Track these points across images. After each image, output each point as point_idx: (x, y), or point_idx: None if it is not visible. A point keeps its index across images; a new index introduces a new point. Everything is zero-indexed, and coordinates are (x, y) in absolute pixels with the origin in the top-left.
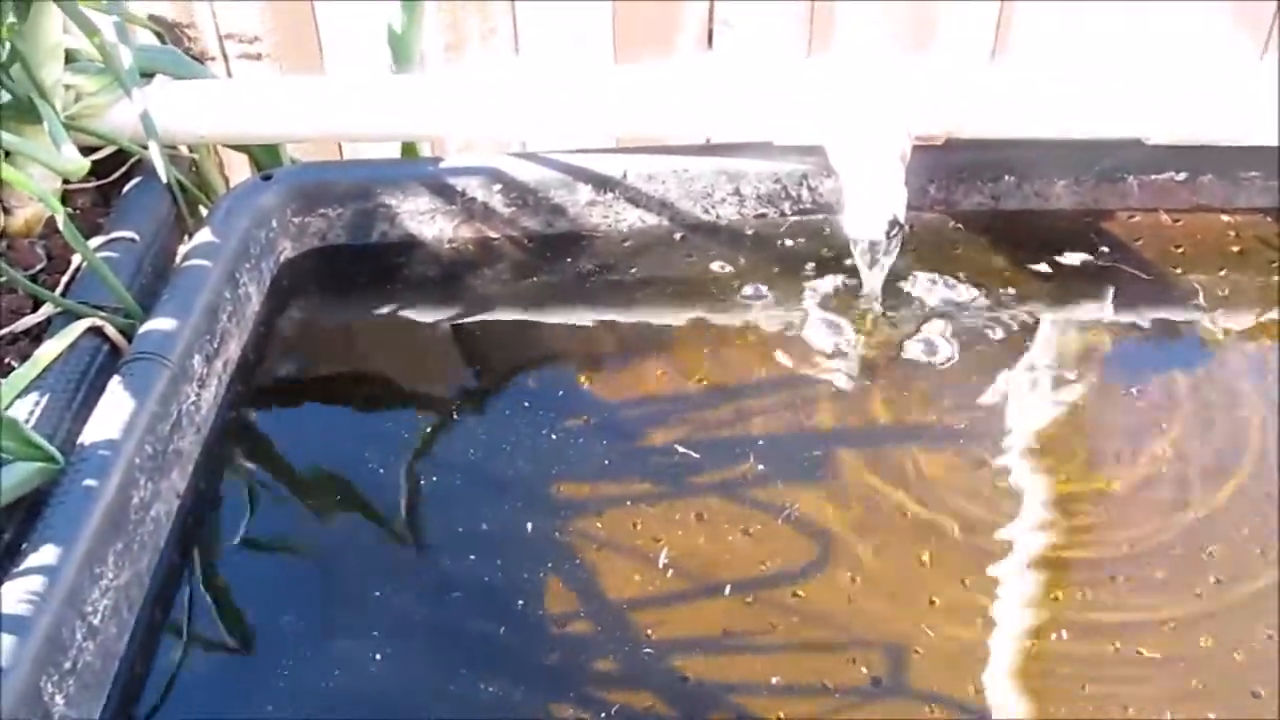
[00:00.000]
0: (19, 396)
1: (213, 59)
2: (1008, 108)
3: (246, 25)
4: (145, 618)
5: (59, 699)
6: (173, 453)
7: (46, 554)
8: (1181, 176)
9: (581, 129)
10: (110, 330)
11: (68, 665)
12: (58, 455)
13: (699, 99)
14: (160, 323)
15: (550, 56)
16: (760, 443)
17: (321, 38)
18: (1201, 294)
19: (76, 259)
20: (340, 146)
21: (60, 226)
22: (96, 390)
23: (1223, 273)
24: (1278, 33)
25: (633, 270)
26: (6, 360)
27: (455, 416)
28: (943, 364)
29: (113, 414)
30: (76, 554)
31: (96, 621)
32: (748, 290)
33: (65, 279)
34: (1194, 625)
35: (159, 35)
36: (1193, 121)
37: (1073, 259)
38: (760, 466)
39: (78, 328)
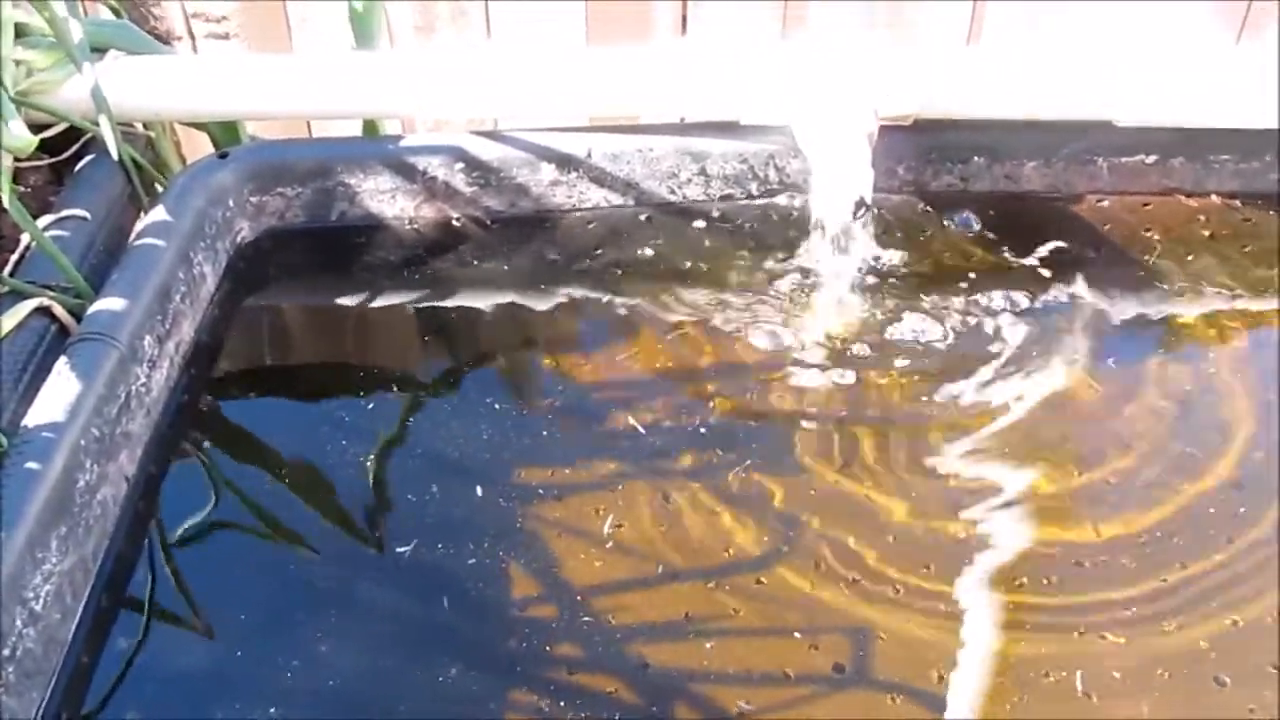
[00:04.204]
0: None
1: (179, 38)
2: (977, 88)
3: (214, 5)
4: (93, 604)
5: None
6: (121, 435)
7: None
8: (1152, 159)
9: (553, 110)
10: (59, 310)
11: (6, 652)
12: (0, 437)
13: (669, 80)
14: (109, 303)
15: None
16: (724, 428)
17: (290, 18)
18: (1171, 279)
19: (26, 238)
20: (309, 126)
21: (5, 203)
22: (44, 371)
23: (1191, 258)
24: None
25: (597, 252)
26: None
27: (416, 401)
28: (910, 350)
29: (58, 395)
30: (18, 538)
31: (38, 607)
32: (713, 273)
33: (14, 258)
34: (1159, 612)
35: (115, 11)
36: (1165, 104)
37: (1042, 243)
38: (724, 452)
39: (25, 307)
